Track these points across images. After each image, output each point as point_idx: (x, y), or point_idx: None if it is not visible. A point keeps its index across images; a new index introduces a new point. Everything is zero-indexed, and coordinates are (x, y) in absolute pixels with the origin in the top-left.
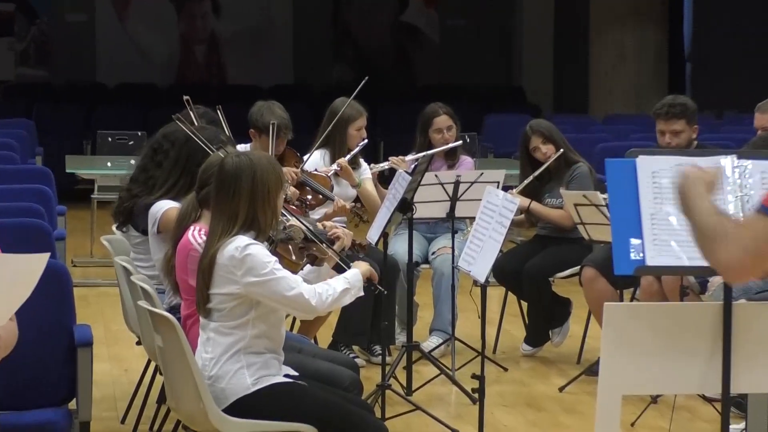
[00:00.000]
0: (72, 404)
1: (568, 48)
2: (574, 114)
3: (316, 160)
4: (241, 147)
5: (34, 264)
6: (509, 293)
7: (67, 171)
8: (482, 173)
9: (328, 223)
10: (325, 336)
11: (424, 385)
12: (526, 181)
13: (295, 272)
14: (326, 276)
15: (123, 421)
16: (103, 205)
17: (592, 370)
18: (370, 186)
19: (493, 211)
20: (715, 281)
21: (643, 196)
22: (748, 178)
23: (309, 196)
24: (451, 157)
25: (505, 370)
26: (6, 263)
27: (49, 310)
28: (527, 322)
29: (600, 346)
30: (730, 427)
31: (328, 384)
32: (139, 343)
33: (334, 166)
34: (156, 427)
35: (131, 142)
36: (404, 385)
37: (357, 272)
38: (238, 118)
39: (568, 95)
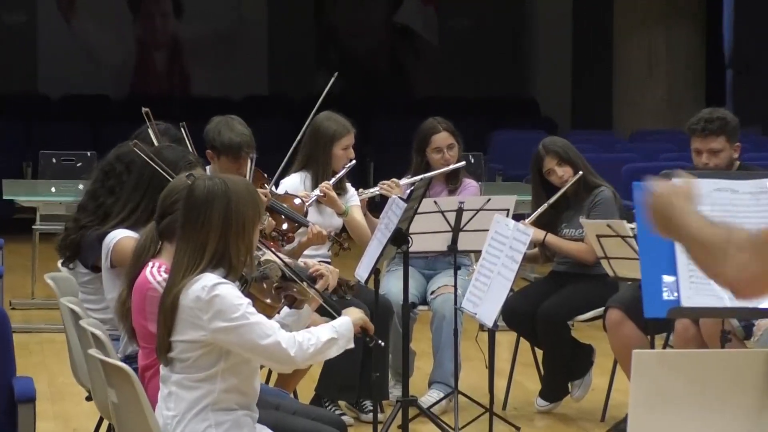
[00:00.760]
0: None
1: (588, 53)
2: (596, 130)
3: (295, 184)
4: (210, 169)
5: None
6: (521, 339)
7: (4, 198)
8: (489, 199)
9: (309, 262)
10: (306, 389)
11: None
12: (540, 210)
13: (270, 316)
14: (307, 320)
15: None
16: (47, 237)
17: (619, 428)
18: (358, 214)
19: (502, 244)
20: (762, 324)
21: None
22: None
23: (285, 225)
24: (452, 181)
25: (518, 429)
26: None
27: None
28: (543, 372)
29: (628, 400)
30: None
31: None
32: (89, 398)
33: (317, 192)
34: None
35: (79, 164)
36: None
37: (347, 321)
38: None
39: (589, 108)
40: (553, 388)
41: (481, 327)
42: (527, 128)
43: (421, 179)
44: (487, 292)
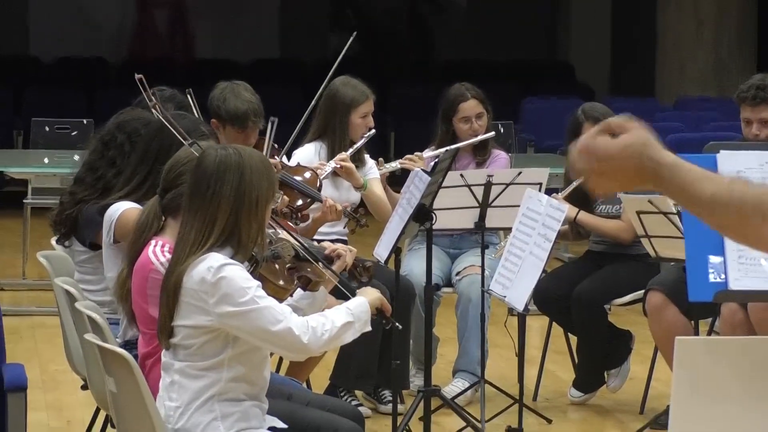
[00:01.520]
0: None
1: (629, 13)
2: (637, 97)
3: (309, 155)
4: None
5: None
6: (554, 325)
7: None
8: (520, 172)
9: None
10: (320, 378)
11: None
12: (574, 183)
13: (282, 300)
14: (322, 304)
15: None
16: (39, 212)
17: (659, 421)
18: (378, 188)
19: (534, 221)
20: None
21: None
22: None
23: (299, 201)
24: (481, 153)
25: (549, 422)
26: None
27: None
28: (577, 361)
29: (669, 391)
30: None
31: None
32: (85, 387)
33: (333, 163)
34: None
35: (74, 133)
36: None
37: (363, 301)
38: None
39: (629, 73)
40: (588, 378)
41: (511, 311)
42: (562, 95)
43: (447, 151)
44: (517, 273)
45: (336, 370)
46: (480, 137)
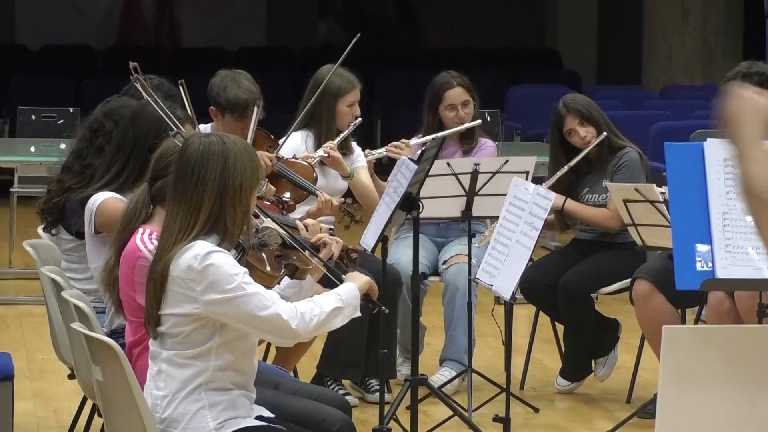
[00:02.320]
0: None
1: (616, 1)
2: (624, 85)
3: (296, 144)
4: (202, 128)
5: None
6: (541, 313)
7: None
8: (507, 161)
9: (309, 222)
10: (308, 367)
11: (433, 429)
12: (559, 173)
13: (270, 287)
14: (309, 292)
15: None
16: (25, 201)
17: (647, 410)
18: (365, 176)
19: (521, 210)
20: None
21: (712, 189)
22: None
23: (287, 192)
24: (467, 141)
25: (536, 411)
26: None
27: None
28: (564, 350)
29: (657, 379)
30: None
31: (311, 428)
32: (72, 376)
33: (320, 152)
34: None
35: (61, 121)
36: (408, 429)
37: (353, 287)
38: (196, 91)
39: (616, 61)
40: (575, 367)
41: (498, 300)
42: (549, 83)
43: (433, 139)
44: (504, 262)
45: (323, 359)
46: (466, 125)
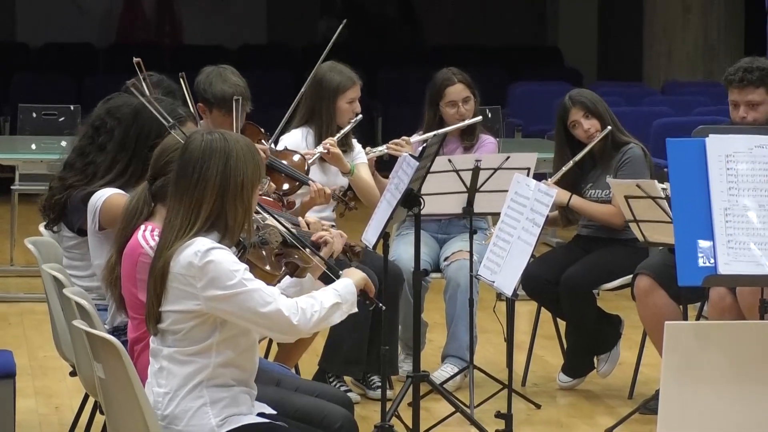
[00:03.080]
0: None
1: None
2: (625, 81)
3: (296, 141)
4: (203, 124)
5: None
6: (543, 310)
7: None
8: (508, 157)
9: (311, 219)
10: (309, 364)
11: (435, 426)
12: (564, 168)
13: (270, 285)
14: (310, 290)
15: None
16: (27, 198)
17: (648, 406)
18: (365, 173)
19: (523, 206)
20: None
21: (714, 185)
22: None
23: (285, 185)
24: (468, 137)
25: (538, 407)
26: None
27: None
28: (565, 346)
29: (659, 376)
30: None
31: (313, 425)
32: (73, 373)
33: (319, 148)
34: None
35: (62, 119)
36: (410, 426)
37: (349, 283)
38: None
39: (617, 58)
40: (577, 363)
41: (499, 296)
42: (549, 79)
43: (434, 135)
44: (505, 258)
45: (325, 355)
46: (467, 122)
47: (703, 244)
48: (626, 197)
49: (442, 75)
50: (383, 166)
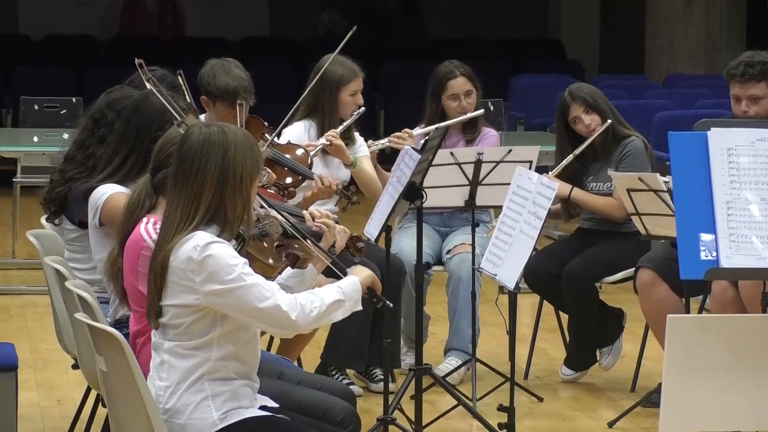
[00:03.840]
0: None
1: None
2: (626, 74)
3: (299, 133)
4: (203, 117)
5: None
6: (545, 303)
7: None
8: (510, 150)
9: (316, 211)
10: (311, 357)
11: (437, 419)
12: (565, 162)
13: (272, 278)
14: (312, 282)
15: None
16: (29, 191)
17: (651, 400)
18: (368, 165)
19: (525, 199)
20: None
21: (716, 179)
22: None
23: (288, 179)
24: (470, 130)
25: (540, 400)
26: None
27: None
28: (568, 339)
29: (661, 369)
30: None
31: (316, 418)
32: (75, 366)
33: (322, 140)
34: None
35: (63, 111)
36: (412, 419)
37: (355, 280)
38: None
39: (619, 51)
40: (580, 356)
41: (502, 289)
42: (551, 73)
43: (436, 128)
44: (508, 251)
45: (327, 348)
46: (469, 115)
47: (705, 237)
48: (628, 190)
49: (444, 68)
50: (385, 159)
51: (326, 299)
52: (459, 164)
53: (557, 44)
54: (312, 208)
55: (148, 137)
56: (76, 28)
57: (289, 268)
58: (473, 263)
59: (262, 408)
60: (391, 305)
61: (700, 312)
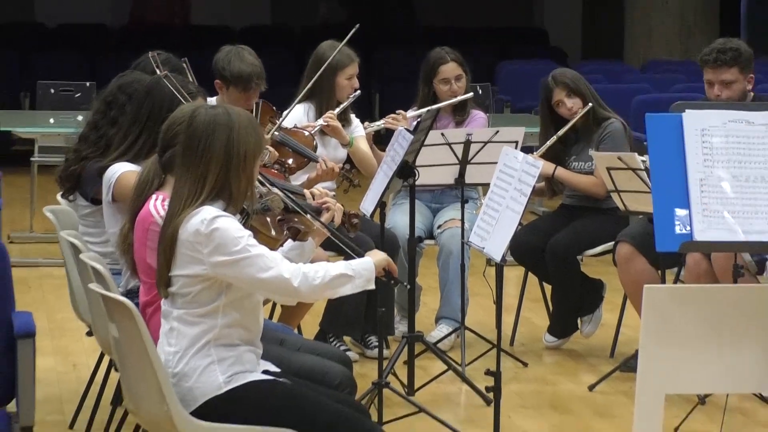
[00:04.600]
0: (11, 406)
1: None
2: (607, 60)
3: (298, 116)
4: (210, 101)
5: None
6: (530, 274)
7: (1, 129)
8: (497, 131)
9: (316, 190)
10: (310, 325)
11: (428, 382)
12: (548, 143)
13: (273, 249)
14: (311, 253)
15: (72, 426)
16: (45, 169)
17: (628, 365)
18: (364, 145)
19: (511, 177)
20: None
21: (690, 158)
22: None
23: (290, 159)
24: (460, 113)
25: (525, 365)
26: None
27: None
28: (551, 308)
29: (638, 336)
30: None
31: (315, 382)
32: (90, 333)
33: (320, 121)
34: None
35: (78, 94)
36: (405, 383)
37: (368, 261)
38: (204, 66)
39: (600, 38)
40: (562, 324)
41: (489, 262)
42: (536, 59)
43: (428, 111)
44: (495, 226)
45: (325, 317)
46: (459, 98)
47: (680, 212)
48: (608, 169)
49: (435, 54)
50: (380, 139)
51: (331, 271)
52: (449, 144)
53: (542, 32)
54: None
55: (159, 119)
56: (88, 17)
57: (290, 240)
58: (462, 237)
59: (265, 372)
60: (408, 285)
61: (674, 283)
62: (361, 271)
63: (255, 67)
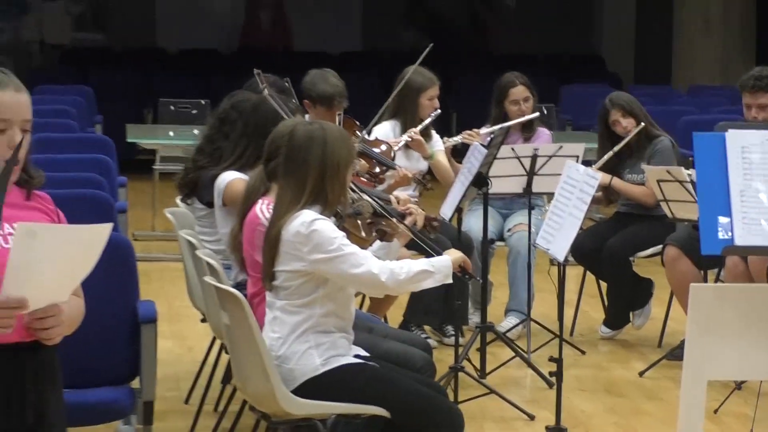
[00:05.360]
0: (135, 383)
1: (650, 15)
2: (656, 85)
3: (386, 132)
4: (307, 117)
5: (97, 235)
6: (588, 273)
7: (128, 140)
8: (561, 147)
9: (400, 195)
10: (395, 316)
11: (498, 367)
12: (606, 157)
13: (364, 248)
14: (396, 252)
15: (187, 401)
16: (165, 176)
17: (674, 354)
18: (443, 158)
19: (573, 187)
20: None
21: (732, 171)
22: None
23: (377, 169)
24: (527, 130)
25: (583, 353)
26: (69, 234)
27: (112, 286)
28: (606, 303)
29: (682, 329)
30: None
31: (399, 365)
32: (203, 320)
33: (405, 137)
34: (221, 407)
35: (194, 111)
36: (478, 367)
37: (446, 258)
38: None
39: (650, 65)
40: (616, 317)
41: (552, 261)
42: (594, 82)
43: (500, 128)
44: (559, 230)
45: (408, 309)
46: (527, 117)
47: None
48: (658, 181)
49: (506, 78)
50: (457, 153)
51: (414, 267)
52: (518, 158)
53: (599, 59)
54: (397, 193)
55: (265, 133)
56: (203, 43)
57: (378, 241)
58: (529, 240)
59: (356, 356)
60: (480, 280)
61: (715, 282)
62: (440, 267)
63: (337, 87)
